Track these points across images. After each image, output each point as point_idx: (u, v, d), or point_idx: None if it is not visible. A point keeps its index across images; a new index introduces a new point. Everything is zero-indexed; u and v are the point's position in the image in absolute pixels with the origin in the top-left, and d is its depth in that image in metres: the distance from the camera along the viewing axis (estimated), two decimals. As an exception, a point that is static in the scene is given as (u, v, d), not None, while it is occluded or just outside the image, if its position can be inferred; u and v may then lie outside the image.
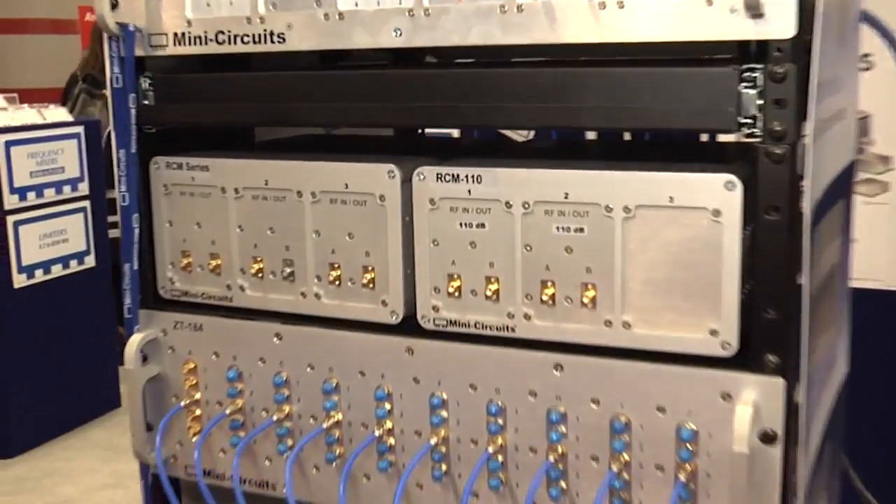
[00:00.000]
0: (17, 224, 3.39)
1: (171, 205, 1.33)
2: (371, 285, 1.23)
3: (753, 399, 1.06)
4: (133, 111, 1.29)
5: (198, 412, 1.34)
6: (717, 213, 1.06)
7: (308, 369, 1.27)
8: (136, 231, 1.32)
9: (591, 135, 1.68)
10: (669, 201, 1.07)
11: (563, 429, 1.14)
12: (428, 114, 1.19)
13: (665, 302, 1.09)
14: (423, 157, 1.23)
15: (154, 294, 1.35)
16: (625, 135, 1.67)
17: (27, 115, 3.54)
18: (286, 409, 1.28)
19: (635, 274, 1.10)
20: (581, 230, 1.11)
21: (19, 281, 3.42)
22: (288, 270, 1.27)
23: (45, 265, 3.51)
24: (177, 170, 1.31)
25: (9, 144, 3.35)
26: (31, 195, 3.44)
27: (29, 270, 3.45)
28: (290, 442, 1.28)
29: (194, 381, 1.34)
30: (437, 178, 1.18)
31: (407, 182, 1.19)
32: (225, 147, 1.38)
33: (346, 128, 1.57)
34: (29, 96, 4.23)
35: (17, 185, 3.39)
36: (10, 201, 3.37)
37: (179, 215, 1.32)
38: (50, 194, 3.51)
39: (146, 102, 1.31)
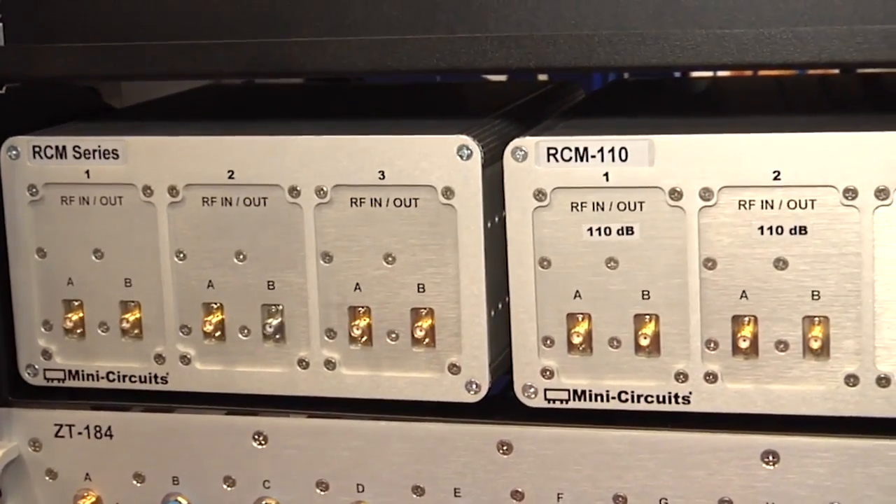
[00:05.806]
0: None
1: (45, 221, 0.76)
2: (428, 341, 0.73)
3: None
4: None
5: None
6: None
7: (318, 492, 0.75)
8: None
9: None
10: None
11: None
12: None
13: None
14: (492, 119, 0.77)
15: (12, 379, 0.78)
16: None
17: None
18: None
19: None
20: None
21: None
22: (273, 324, 0.74)
23: None
24: (55, 160, 0.75)
25: None
26: None
27: None
28: None
29: (98, 529, 0.78)
30: (551, 154, 0.70)
31: (491, 164, 0.71)
32: (73, 118, 0.83)
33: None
34: None
35: None
36: None
37: (61, 239, 0.76)
38: None
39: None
